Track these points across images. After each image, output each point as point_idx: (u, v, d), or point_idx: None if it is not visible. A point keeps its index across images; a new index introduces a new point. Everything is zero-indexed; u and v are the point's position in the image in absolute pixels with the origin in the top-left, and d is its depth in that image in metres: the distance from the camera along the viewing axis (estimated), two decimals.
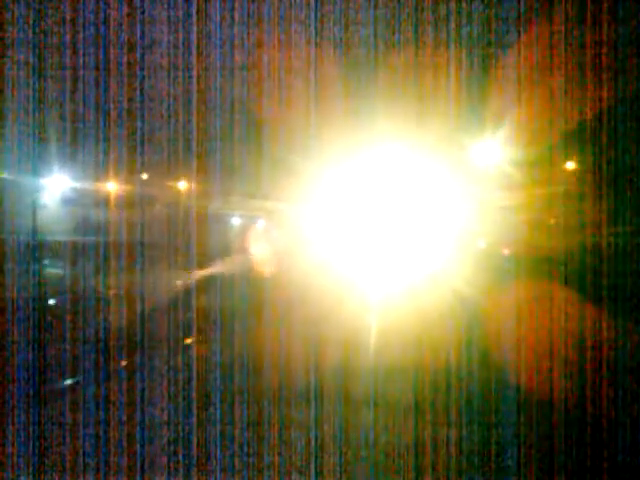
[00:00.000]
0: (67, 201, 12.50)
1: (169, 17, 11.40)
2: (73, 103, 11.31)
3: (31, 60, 11.09)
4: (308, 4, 11.13)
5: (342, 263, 10.58)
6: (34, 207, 12.25)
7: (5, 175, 11.40)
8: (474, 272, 10.14)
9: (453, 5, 10.34)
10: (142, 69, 11.50)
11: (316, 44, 10.99)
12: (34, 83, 11.09)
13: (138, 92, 11.42)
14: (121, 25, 11.32)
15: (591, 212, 10.02)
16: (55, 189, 12.42)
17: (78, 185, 12.42)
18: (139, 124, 11.52)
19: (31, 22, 11.01)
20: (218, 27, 11.44)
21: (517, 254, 10.70)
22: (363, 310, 9.89)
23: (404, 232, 11.00)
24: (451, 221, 10.72)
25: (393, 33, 10.68)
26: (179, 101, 11.63)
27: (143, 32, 11.36)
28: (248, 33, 11.39)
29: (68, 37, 11.15)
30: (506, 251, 11.22)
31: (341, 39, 10.97)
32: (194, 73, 11.52)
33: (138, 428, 9.03)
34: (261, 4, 11.32)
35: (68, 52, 11.17)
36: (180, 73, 11.53)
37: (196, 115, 11.69)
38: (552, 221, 10.77)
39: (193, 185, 12.66)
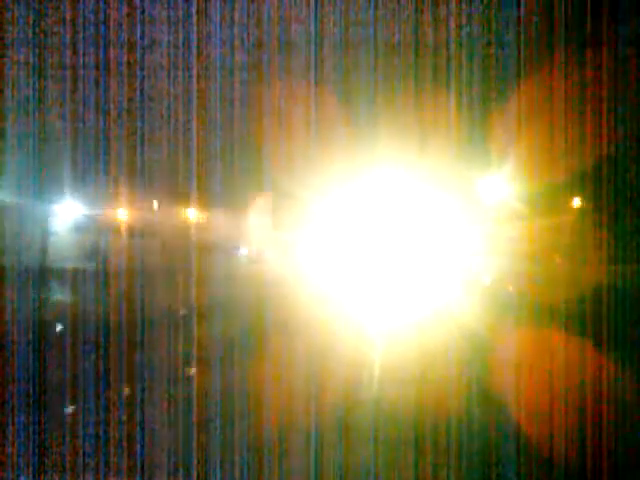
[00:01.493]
0: (78, 228, 12.62)
1: (169, 17, 11.41)
2: (81, 129, 11.36)
3: (31, 60, 11.10)
4: (308, 4, 11.13)
5: (345, 294, 10.55)
6: (44, 233, 12.37)
7: (16, 200, 11.51)
8: (478, 312, 10.01)
9: (454, 30, 10.34)
10: (142, 69, 11.51)
11: (316, 45, 11.00)
12: (36, 85, 11.11)
13: (145, 113, 11.43)
14: (121, 25, 11.33)
15: (598, 249, 9.96)
16: (66, 215, 12.54)
17: (89, 212, 12.52)
18: (150, 151, 11.56)
19: (31, 22, 11.02)
20: (218, 27, 11.45)
21: (522, 292, 10.54)
22: (364, 350, 9.72)
23: (408, 266, 10.94)
24: (455, 255, 10.66)
25: (391, 52, 10.70)
26: (187, 122, 11.61)
27: (143, 32, 11.37)
28: (248, 34, 11.40)
29: (68, 37, 11.16)
30: (511, 288, 11.01)
31: (339, 44, 10.98)
32: (193, 76, 11.53)
33: None
34: (261, 4, 11.33)
35: (68, 52, 11.19)
36: (180, 73, 11.54)
37: (205, 143, 11.68)
38: (558, 259, 10.69)
39: (202, 214, 12.78)
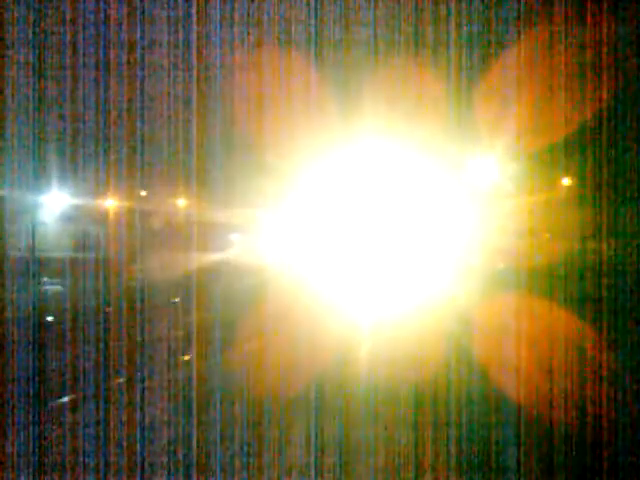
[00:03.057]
0: (66, 218, 12.74)
1: (169, 17, 11.41)
2: (71, 120, 11.40)
3: (31, 60, 11.10)
4: (308, 4, 11.13)
5: (336, 282, 10.60)
6: (33, 224, 12.45)
7: (4, 192, 11.60)
8: (469, 288, 10.06)
9: (450, 27, 10.38)
10: (142, 69, 11.51)
11: (316, 44, 11.00)
12: (33, 88, 11.11)
13: (137, 108, 11.46)
14: (121, 25, 11.33)
15: (585, 224, 10.03)
16: (54, 206, 12.65)
17: (77, 202, 12.61)
18: (137, 141, 11.59)
19: (31, 22, 11.02)
20: (218, 27, 11.45)
21: (512, 267, 10.60)
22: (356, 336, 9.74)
23: (395, 247, 10.97)
24: (444, 235, 10.69)
25: (389, 50, 10.73)
26: (176, 117, 11.67)
27: (143, 32, 11.37)
28: (248, 33, 11.40)
29: (68, 37, 11.16)
30: (501, 265, 11.07)
31: (339, 44, 10.98)
32: (193, 73, 11.53)
33: None
34: (261, 4, 11.33)
35: (68, 52, 11.19)
36: (180, 73, 11.55)
37: (193, 132, 11.73)
38: (546, 235, 10.74)
39: (190, 202, 12.86)
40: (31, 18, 11.02)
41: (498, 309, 9.44)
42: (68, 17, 11.15)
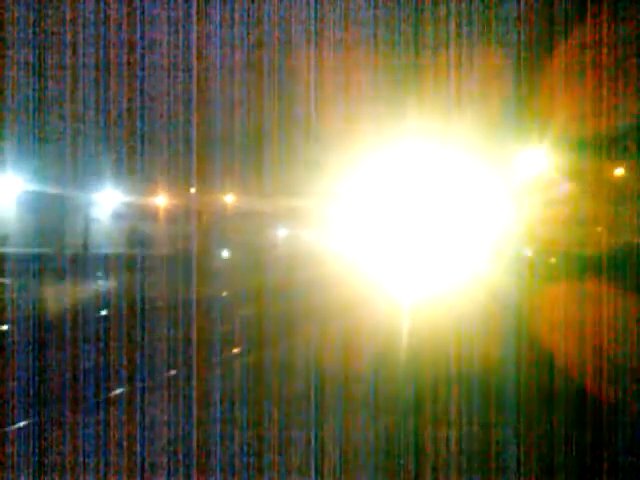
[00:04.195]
0: (118, 215, 13.00)
1: (169, 17, 11.42)
2: (119, 121, 11.55)
3: (31, 60, 11.07)
4: (308, 4, 11.21)
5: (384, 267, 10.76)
6: (86, 221, 12.63)
7: (59, 190, 11.80)
8: (523, 283, 10.17)
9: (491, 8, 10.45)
10: (140, 68, 11.53)
11: (341, 42, 11.09)
12: (76, 86, 11.13)
13: (184, 109, 11.60)
14: (121, 25, 11.32)
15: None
16: (107, 204, 12.86)
17: (129, 199, 12.82)
18: (185, 140, 11.79)
19: (31, 22, 10.98)
20: (218, 27, 11.48)
21: (564, 262, 10.72)
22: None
23: (445, 247, 11.16)
24: (497, 230, 10.81)
25: (435, 34, 10.83)
26: (219, 117, 11.84)
27: (143, 32, 11.38)
28: (248, 33, 11.45)
29: (68, 37, 11.14)
30: (553, 260, 11.21)
31: (367, 38, 11.10)
32: (193, 74, 11.57)
33: None
34: (261, 4, 11.38)
35: (68, 52, 11.17)
36: (182, 74, 11.58)
37: (241, 131, 11.94)
38: (599, 229, 10.79)
39: (238, 197, 13.15)
40: (31, 18, 10.99)
41: (548, 298, 9.60)
42: (68, 17, 11.13)
